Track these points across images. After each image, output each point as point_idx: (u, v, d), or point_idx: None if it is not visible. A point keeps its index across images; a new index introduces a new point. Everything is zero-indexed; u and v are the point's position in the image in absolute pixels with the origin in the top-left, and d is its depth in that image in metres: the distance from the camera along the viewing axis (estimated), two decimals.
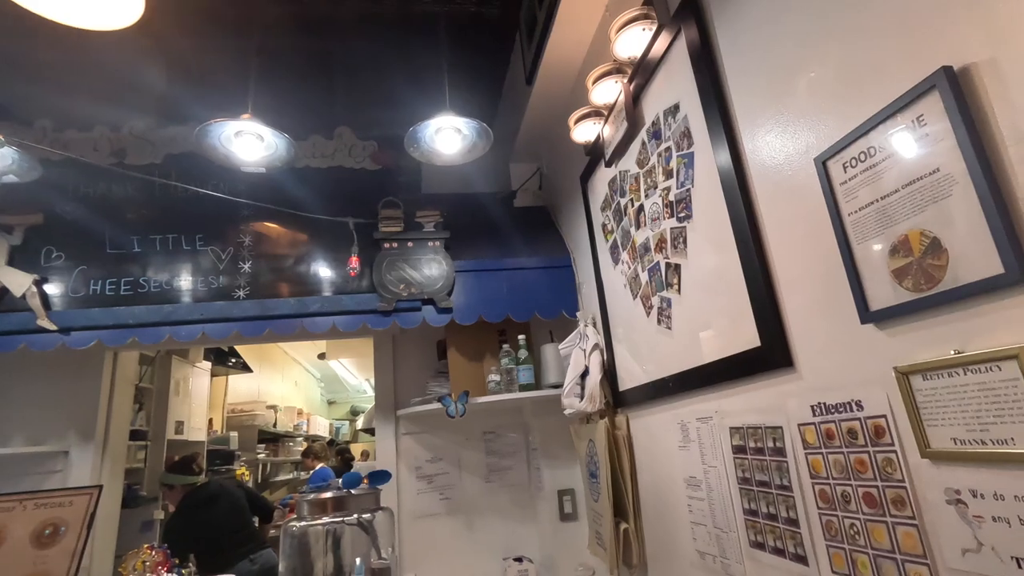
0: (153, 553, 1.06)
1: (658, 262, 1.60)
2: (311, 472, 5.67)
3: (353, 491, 1.20)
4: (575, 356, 2.11)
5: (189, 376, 4.51)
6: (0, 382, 2.38)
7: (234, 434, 5.35)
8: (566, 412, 2.13)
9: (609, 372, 2.01)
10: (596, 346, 2.06)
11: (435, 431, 2.68)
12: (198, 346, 3.45)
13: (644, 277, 1.70)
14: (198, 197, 2.19)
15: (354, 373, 8.97)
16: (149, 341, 2.05)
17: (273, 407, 6.46)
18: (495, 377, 2.36)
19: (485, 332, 2.48)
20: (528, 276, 2.43)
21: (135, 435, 3.74)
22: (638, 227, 1.72)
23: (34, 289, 1.98)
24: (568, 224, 2.51)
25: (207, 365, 4.90)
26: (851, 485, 0.95)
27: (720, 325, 1.32)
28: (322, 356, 7.31)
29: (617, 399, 1.98)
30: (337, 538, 1.27)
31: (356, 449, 8.02)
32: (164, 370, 4.14)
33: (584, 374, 2.05)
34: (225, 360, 5.22)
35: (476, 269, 2.38)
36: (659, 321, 1.62)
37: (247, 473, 5.23)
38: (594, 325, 2.17)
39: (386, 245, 2.29)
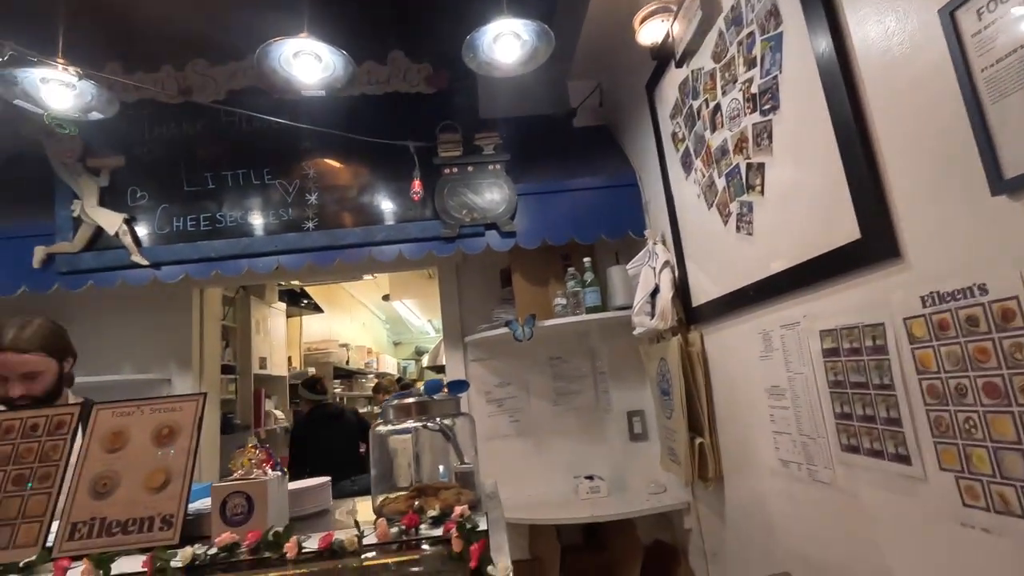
0: (257, 452, 1.14)
1: (737, 164, 1.49)
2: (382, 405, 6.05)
3: (435, 397, 1.24)
4: (644, 275, 2.05)
5: (267, 316, 4.78)
6: (108, 317, 2.60)
7: (312, 370, 5.69)
8: (636, 331, 2.09)
9: (681, 289, 1.95)
10: (667, 263, 1.99)
11: (502, 357, 2.73)
12: (274, 280, 3.61)
13: (721, 183, 1.59)
14: (263, 131, 2.23)
15: (417, 314, 9.27)
16: (230, 273, 2.15)
17: (345, 346, 6.81)
18: (561, 300, 2.35)
19: (549, 256, 2.45)
20: (592, 197, 2.35)
21: (225, 369, 4.05)
22: (714, 129, 1.60)
23: (125, 227, 2.11)
24: (632, 140, 2.38)
25: (282, 306, 5.17)
26: (968, 377, 0.87)
27: (811, 222, 1.22)
28: (386, 297, 7.55)
29: (690, 316, 1.92)
30: (420, 443, 1.33)
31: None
32: (244, 310, 4.41)
33: (654, 292, 2.00)
34: (298, 301, 5.50)
35: (538, 192, 2.33)
36: (739, 228, 1.52)
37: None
38: (663, 242, 2.09)
39: (446, 171, 2.27)
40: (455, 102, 2.37)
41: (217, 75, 2.23)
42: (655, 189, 2.15)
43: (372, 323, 9.45)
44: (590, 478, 2.44)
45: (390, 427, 1.23)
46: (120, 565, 0.98)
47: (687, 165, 1.82)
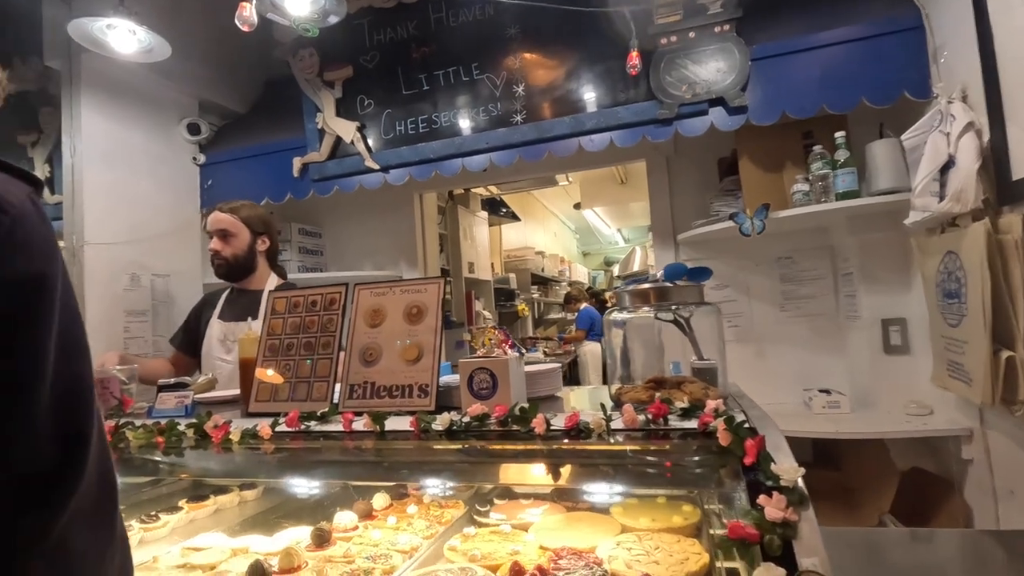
0: (496, 332, 1.16)
1: None
2: (576, 313, 6.18)
3: (678, 283, 1.11)
4: (932, 144, 1.59)
5: (472, 224, 5.08)
6: (353, 221, 2.94)
7: (512, 275, 6.01)
8: (910, 219, 1.68)
9: (992, 159, 1.47)
10: (969, 126, 1.50)
11: (719, 256, 2.47)
12: (486, 183, 3.68)
13: None
14: (468, 25, 2.19)
15: (607, 223, 9.09)
16: (447, 173, 2.23)
17: (540, 253, 7.02)
18: (802, 187, 1.98)
19: (785, 135, 2.06)
20: (850, 52, 1.87)
21: (441, 272, 4.45)
22: None
23: (358, 135, 2.29)
24: None
25: (484, 214, 5.44)
26: None
27: None
28: (577, 206, 7.49)
29: (1002, 195, 1.45)
30: (657, 332, 1.24)
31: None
32: (453, 218, 4.73)
33: (947, 166, 1.54)
34: (497, 210, 5.73)
35: (777, 53, 1.92)
36: None
37: (526, 309, 5.92)
38: (964, 100, 1.57)
39: (663, 41, 1.98)
40: None
41: None
42: (955, 27, 1.61)
43: (562, 232, 9.57)
44: (826, 392, 2.14)
45: (625, 314, 1.15)
46: (391, 423, 1.09)
47: None
